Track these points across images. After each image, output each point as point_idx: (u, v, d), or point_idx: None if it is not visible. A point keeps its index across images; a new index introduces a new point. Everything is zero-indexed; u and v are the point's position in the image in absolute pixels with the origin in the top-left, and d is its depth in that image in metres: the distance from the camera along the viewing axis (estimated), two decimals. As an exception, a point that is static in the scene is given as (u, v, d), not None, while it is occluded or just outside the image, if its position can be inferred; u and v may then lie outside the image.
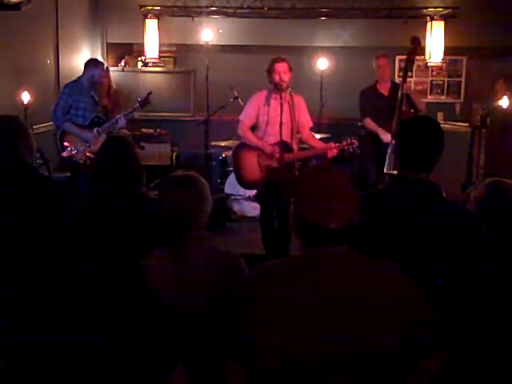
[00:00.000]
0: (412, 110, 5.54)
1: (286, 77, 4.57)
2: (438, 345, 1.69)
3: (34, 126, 5.46)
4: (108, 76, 6.57)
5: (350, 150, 4.58)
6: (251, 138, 4.75)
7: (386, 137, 5.29)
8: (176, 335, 2.22)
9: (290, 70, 4.62)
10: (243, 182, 4.89)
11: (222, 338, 1.76)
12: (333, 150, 4.59)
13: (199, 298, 2.12)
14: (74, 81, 5.36)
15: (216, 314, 1.88)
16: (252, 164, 4.76)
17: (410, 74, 5.70)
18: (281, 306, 1.61)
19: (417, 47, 5.70)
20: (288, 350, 1.58)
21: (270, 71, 4.62)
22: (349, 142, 4.58)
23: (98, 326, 2.28)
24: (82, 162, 5.07)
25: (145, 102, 5.53)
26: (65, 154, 5.09)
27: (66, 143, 5.10)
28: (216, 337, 1.88)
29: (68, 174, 5.41)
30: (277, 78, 4.57)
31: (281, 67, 4.57)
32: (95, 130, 5.17)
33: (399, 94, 5.38)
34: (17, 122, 3.04)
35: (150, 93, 5.62)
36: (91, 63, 5.40)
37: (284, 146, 4.63)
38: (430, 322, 1.66)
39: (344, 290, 1.60)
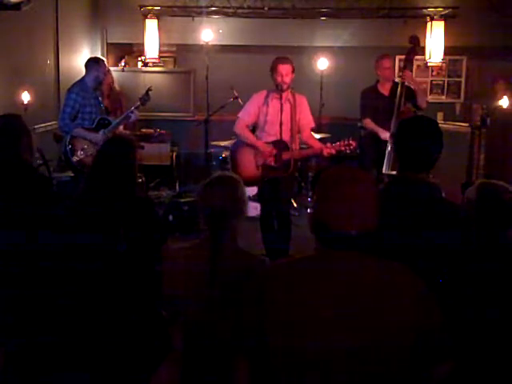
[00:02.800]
0: (412, 110, 5.52)
1: (288, 78, 4.56)
2: (449, 348, 1.67)
3: (34, 126, 5.47)
4: (109, 76, 6.58)
5: (347, 150, 4.56)
6: (248, 136, 4.75)
7: (385, 135, 5.29)
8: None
9: (293, 71, 4.61)
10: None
11: (235, 334, 1.77)
12: (328, 150, 4.58)
13: (226, 294, 2.19)
14: (79, 81, 5.27)
15: (232, 312, 1.91)
16: (249, 162, 4.75)
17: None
18: (293, 305, 1.61)
19: (416, 47, 5.67)
20: (299, 349, 1.58)
21: (273, 71, 4.60)
22: (346, 142, 4.56)
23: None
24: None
25: (146, 99, 5.53)
26: (75, 158, 5.08)
27: (75, 148, 5.08)
28: (229, 333, 1.91)
29: (70, 175, 5.41)
30: (279, 79, 4.55)
31: (283, 69, 4.54)
32: (101, 131, 5.16)
33: (398, 93, 5.37)
34: (18, 121, 3.08)
35: (149, 89, 5.62)
36: (92, 63, 5.28)
37: (281, 145, 4.63)
38: (441, 323, 1.66)
39: (357, 291, 1.59)
